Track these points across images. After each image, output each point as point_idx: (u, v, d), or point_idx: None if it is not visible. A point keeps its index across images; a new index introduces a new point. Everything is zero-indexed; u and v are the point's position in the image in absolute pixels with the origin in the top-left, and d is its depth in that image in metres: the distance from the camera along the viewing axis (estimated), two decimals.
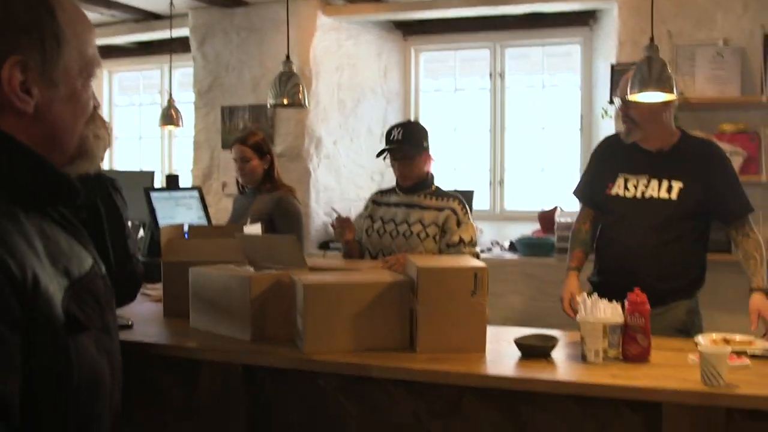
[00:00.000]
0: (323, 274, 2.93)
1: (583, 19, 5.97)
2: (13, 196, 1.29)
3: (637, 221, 3.32)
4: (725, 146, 4.65)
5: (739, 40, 4.89)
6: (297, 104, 4.07)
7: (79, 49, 1.38)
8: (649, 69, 2.91)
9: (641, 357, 2.59)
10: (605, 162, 3.50)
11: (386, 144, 3.71)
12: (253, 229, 3.72)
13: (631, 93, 2.99)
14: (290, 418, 2.71)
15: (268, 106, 4.15)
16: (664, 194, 3.27)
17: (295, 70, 4.09)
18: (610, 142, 3.54)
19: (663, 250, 3.27)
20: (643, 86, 2.91)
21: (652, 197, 3.29)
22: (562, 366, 2.58)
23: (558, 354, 2.67)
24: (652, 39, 3.02)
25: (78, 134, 1.42)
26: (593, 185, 3.51)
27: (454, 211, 3.66)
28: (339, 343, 2.68)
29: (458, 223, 3.64)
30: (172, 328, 3.12)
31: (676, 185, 3.25)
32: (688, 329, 3.22)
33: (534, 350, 2.66)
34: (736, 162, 4.68)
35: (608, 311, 2.62)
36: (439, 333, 2.68)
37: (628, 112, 3.28)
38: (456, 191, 3.94)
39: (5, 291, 1.17)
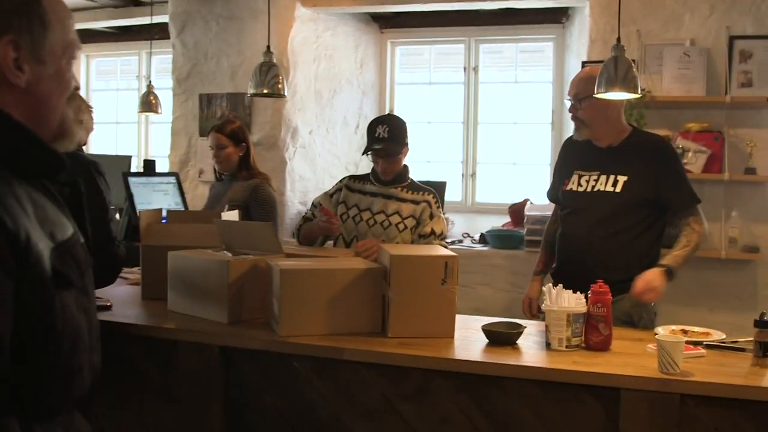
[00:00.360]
0: (299, 260, 3.02)
1: (557, 16, 6.08)
2: (7, 165, 1.42)
3: (585, 214, 3.46)
4: (690, 144, 4.81)
5: (706, 41, 5.02)
6: (276, 94, 4.17)
7: (62, 32, 1.53)
8: (615, 69, 3.03)
9: (603, 345, 2.71)
10: (564, 161, 3.68)
11: (370, 140, 3.80)
12: (230, 215, 3.80)
13: (597, 91, 3.11)
14: (265, 399, 2.79)
15: (248, 95, 4.24)
16: (609, 188, 3.41)
17: (274, 61, 4.17)
18: (569, 142, 3.71)
19: (609, 241, 3.39)
20: (609, 85, 3.03)
21: (599, 191, 3.43)
22: (527, 352, 2.68)
23: (524, 341, 2.78)
24: (618, 39, 3.13)
25: (60, 112, 1.57)
26: (557, 184, 3.68)
27: (428, 204, 3.80)
28: (313, 327, 2.78)
29: (431, 216, 3.77)
30: (150, 310, 3.19)
31: (622, 179, 3.39)
32: (633, 322, 3.33)
33: (500, 337, 2.77)
34: (700, 160, 4.82)
35: (572, 301, 2.73)
36: (410, 319, 2.79)
37: (576, 112, 3.47)
38: (428, 182, 4.05)
39: (1, 242, 1.31)
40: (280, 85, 4.10)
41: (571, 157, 3.64)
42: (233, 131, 4.54)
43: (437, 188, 5.84)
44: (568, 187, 3.55)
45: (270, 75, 4.06)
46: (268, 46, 4.10)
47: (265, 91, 4.08)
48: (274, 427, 2.79)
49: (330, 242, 3.96)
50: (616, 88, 3.02)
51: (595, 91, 3.11)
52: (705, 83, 4.95)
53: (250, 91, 4.12)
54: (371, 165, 3.90)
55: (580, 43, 5.60)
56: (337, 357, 2.67)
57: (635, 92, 3.04)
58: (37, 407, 1.44)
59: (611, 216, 3.39)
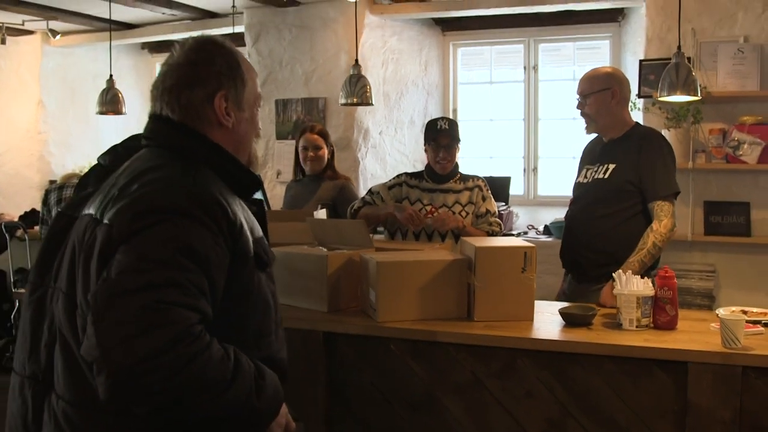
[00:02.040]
0: (391, 254, 3.33)
1: (613, 15, 6.30)
2: (224, 182, 1.88)
3: (581, 201, 3.77)
4: (745, 137, 5.03)
5: (759, 37, 5.20)
6: (365, 103, 4.53)
7: (253, 88, 2.02)
8: (676, 74, 3.31)
9: (670, 325, 2.97)
10: (581, 160, 3.97)
11: (432, 131, 4.18)
12: (320, 214, 4.12)
13: (660, 95, 3.40)
14: (364, 378, 3.10)
15: (340, 104, 4.58)
16: (600, 175, 3.66)
17: (363, 73, 4.50)
18: (589, 142, 3.97)
19: (595, 224, 3.64)
20: (671, 89, 3.32)
21: (594, 179, 3.70)
22: (602, 332, 2.95)
23: (597, 322, 3.06)
24: (679, 47, 3.41)
25: (251, 147, 2.06)
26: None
27: (480, 188, 4.19)
28: (407, 313, 3.09)
29: (483, 198, 4.17)
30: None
31: (611, 166, 3.63)
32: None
33: (577, 318, 3.05)
34: (755, 152, 5.03)
35: (640, 285, 3.00)
36: (494, 303, 3.08)
37: (583, 109, 3.73)
38: (492, 178, 4.36)
39: (228, 225, 1.77)
40: (367, 94, 4.44)
41: (584, 155, 3.94)
42: (323, 131, 4.78)
43: (501, 184, 6.16)
44: (577, 180, 3.87)
45: (359, 86, 4.41)
46: (357, 60, 4.44)
47: (355, 101, 4.43)
48: (373, 403, 3.09)
49: (379, 236, 4.32)
50: (678, 92, 3.30)
51: (658, 95, 3.41)
52: (759, 78, 5.13)
53: (341, 101, 4.47)
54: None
55: (636, 41, 5.82)
56: (431, 339, 2.97)
57: (695, 95, 3.32)
58: None
59: (599, 201, 3.65)
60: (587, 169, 3.80)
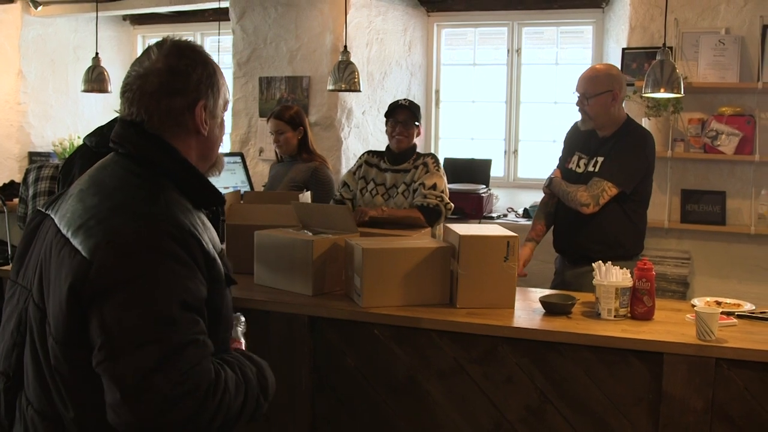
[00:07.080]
0: (376, 240, 3.39)
1: (596, 2, 6.35)
2: (188, 198, 1.91)
3: None
4: (723, 127, 5.12)
5: (740, 29, 5.27)
6: (353, 89, 4.58)
7: (224, 94, 2.05)
8: (661, 72, 3.39)
9: (647, 315, 3.06)
10: (571, 141, 4.10)
11: (392, 107, 4.36)
12: (305, 197, 4.17)
13: (644, 91, 3.48)
14: (348, 362, 3.17)
15: (327, 89, 4.62)
16: (591, 168, 3.84)
17: (352, 59, 4.53)
18: (576, 125, 4.09)
19: (586, 217, 3.79)
20: (656, 87, 3.40)
21: (588, 171, 3.85)
22: (581, 321, 3.04)
23: (576, 311, 3.15)
24: (665, 44, 3.47)
25: (218, 150, 2.08)
26: (563, 158, 4.11)
27: (425, 165, 4.32)
28: (391, 299, 3.16)
29: (426, 171, 4.29)
30: (238, 283, 3.55)
31: (600, 160, 3.81)
32: None
33: (557, 308, 3.14)
34: (732, 142, 5.12)
35: (619, 276, 3.10)
36: (476, 291, 3.15)
37: (584, 107, 3.84)
38: (472, 160, 4.46)
39: (201, 260, 1.80)
40: (356, 80, 4.49)
41: (577, 138, 4.05)
42: (291, 117, 4.81)
43: (482, 166, 6.23)
44: (569, 166, 3.99)
45: (347, 72, 4.45)
46: (345, 46, 4.46)
47: (343, 87, 4.48)
48: (356, 387, 3.16)
49: None
50: (662, 89, 3.38)
51: (643, 91, 3.48)
52: (738, 70, 5.20)
53: (330, 87, 4.51)
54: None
55: (619, 29, 5.87)
56: (415, 326, 3.04)
57: (679, 92, 3.40)
58: None
59: None
60: (579, 158, 3.93)
